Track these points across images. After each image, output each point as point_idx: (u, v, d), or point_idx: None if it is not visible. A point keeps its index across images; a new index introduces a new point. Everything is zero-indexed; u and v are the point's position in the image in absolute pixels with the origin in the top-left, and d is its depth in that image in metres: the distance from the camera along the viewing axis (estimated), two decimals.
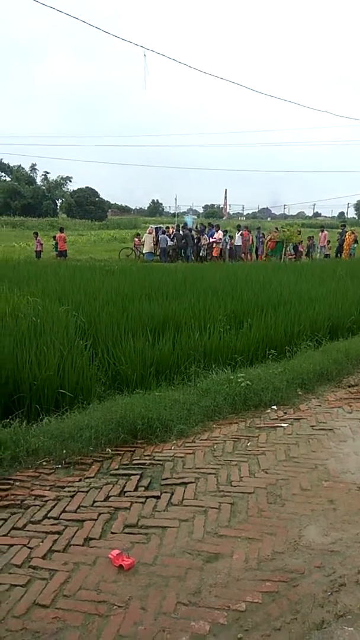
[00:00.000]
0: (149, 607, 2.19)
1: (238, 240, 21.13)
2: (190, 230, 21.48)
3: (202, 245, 21.10)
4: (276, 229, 22.37)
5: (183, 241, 20.72)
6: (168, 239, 20.59)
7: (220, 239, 20.40)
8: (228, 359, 5.70)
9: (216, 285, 9.42)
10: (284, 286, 9.73)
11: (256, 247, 22.21)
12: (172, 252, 20.76)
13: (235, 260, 20.34)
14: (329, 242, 21.84)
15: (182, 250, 20.88)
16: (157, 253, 20.93)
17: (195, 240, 21.27)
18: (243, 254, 21.51)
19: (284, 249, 20.75)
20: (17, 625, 2.09)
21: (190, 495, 3.14)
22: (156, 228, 22.38)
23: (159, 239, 20.61)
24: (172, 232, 21.27)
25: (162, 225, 24.80)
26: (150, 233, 21.09)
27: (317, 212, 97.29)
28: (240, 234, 21.22)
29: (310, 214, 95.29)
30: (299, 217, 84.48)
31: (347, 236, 22.21)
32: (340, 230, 22.93)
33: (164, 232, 21.06)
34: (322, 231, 22.41)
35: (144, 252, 20.50)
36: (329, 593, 2.28)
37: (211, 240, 20.73)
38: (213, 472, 3.44)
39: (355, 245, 22.01)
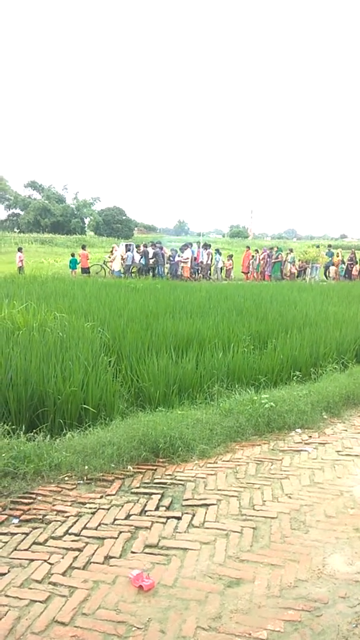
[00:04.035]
0: (169, 630, 2.16)
1: (206, 259, 20.98)
2: (161, 248, 21.30)
3: (180, 264, 20.96)
4: (275, 248, 23.00)
5: (153, 259, 20.58)
6: (133, 256, 20.47)
7: (187, 258, 20.20)
8: (252, 379, 5.66)
9: (241, 305, 9.41)
10: (309, 307, 9.66)
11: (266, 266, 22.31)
12: (137, 270, 20.63)
13: (206, 279, 20.05)
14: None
15: (152, 269, 20.62)
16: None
17: (171, 259, 21.15)
18: (244, 273, 22.19)
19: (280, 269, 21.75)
20: None
21: (211, 517, 3.10)
22: (126, 245, 22.39)
23: (126, 256, 20.62)
24: (142, 249, 21.11)
25: (132, 243, 24.84)
26: (115, 250, 21.10)
27: (343, 234, 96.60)
28: (208, 252, 21.12)
29: (337, 236, 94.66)
30: (324, 239, 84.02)
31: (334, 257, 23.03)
32: (327, 251, 23.58)
33: (128, 250, 20.93)
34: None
35: (113, 269, 20.34)
36: (354, 625, 2.20)
37: (177, 259, 20.65)
38: (235, 494, 3.40)
39: (343, 266, 22.66)
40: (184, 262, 20.06)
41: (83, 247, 21.75)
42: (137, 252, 21.04)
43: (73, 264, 20.67)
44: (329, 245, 25.86)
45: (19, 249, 20.76)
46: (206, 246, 21.91)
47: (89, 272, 20.42)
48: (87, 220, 64.62)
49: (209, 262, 21.04)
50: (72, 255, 21.34)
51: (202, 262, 20.89)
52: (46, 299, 9.00)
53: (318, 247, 26.12)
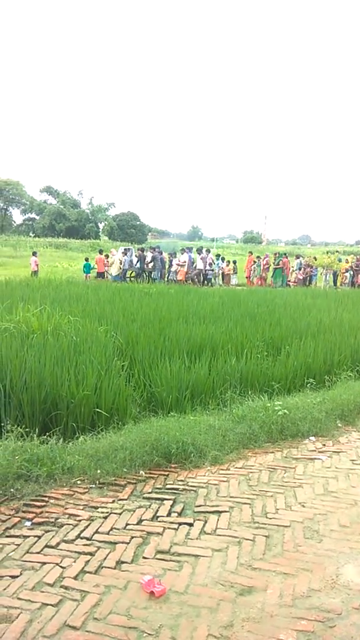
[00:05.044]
0: (180, 637, 2.14)
1: (199, 264, 20.92)
2: (160, 252, 21.25)
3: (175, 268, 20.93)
4: (277, 254, 23.26)
5: (152, 263, 20.56)
6: (131, 260, 20.54)
7: (185, 262, 20.15)
8: (265, 385, 5.63)
9: (254, 311, 9.37)
10: (323, 313, 9.59)
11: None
12: (133, 273, 20.71)
13: (199, 284, 19.88)
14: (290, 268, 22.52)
15: (149, 272, 20.58)
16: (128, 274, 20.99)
17: (169, 263, 21.06)
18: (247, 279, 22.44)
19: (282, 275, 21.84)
20: None
21: (224, 524, 3.08)
22: (125, 249, 22.43)
23: (124, 260, 20.59)
24: (138, 253, 21.11)
25: (131, 247, 24.86)
26: (113, 255, 21.23)
27: (358, 241, 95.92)
28: (202, 258, 20.99)
29: (352, 242, 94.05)
30: (339, 245, 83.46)
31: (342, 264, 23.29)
32: (337, 258, 23.76)
33: (124, 254, 20.94)
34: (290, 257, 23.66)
35: (111, 273, 20.41)
36: None
37: (174, 262, 20.57)
38: (248, 502, 3.37)
39: (351, 272, 22.63)
40: (180, 265, 20.06)
41: (100, 252, 21.87)
42: (135, 256, 21.12)
43: (87, 268, 20.81)
44: (337, 251, 26.29)
45: (34, 253, 20.97)
46: (200, 251, 21.68)
47: (104, 276, 20.55)
48: (101, 225, 65.18)
49: (207, 267, 20.92)
50: (86, 259, 21.47)
51: (195, 267, 20.83)
52: (60, 302, 9.05)
53: (334, 253, 26.04)
